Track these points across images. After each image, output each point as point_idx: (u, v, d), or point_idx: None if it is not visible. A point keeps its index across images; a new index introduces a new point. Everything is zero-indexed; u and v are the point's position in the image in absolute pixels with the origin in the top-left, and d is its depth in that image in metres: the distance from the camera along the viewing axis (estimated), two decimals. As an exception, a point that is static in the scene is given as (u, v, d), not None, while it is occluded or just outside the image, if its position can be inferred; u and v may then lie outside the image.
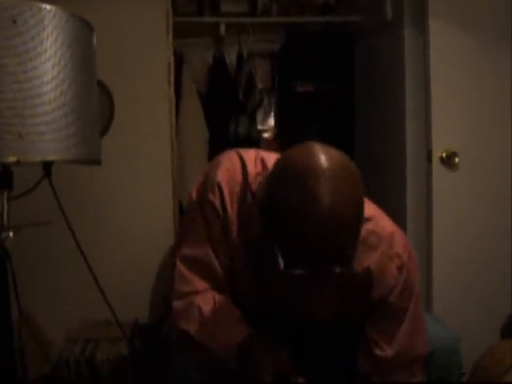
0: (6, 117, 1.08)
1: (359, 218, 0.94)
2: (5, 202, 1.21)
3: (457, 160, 2.16)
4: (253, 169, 1.17)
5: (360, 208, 0.94)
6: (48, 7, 1.17)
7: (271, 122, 2.94)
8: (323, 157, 0.93)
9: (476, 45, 2.16)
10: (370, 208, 1.12)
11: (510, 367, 1.71)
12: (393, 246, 1.15)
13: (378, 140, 2.59)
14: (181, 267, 1.17)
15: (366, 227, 1.08)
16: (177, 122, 2.50)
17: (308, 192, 0.90)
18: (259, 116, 2.89)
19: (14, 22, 1.09)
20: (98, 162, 1.33)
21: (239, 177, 1.17)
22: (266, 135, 3.00)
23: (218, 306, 1.13)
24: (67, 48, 1.20)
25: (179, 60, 2.67)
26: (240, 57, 2.85)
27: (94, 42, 1.34)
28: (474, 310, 2.17)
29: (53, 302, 2.12)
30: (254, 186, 1.15)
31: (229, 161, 1.20)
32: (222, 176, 1.17)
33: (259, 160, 1.19)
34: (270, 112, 2.92)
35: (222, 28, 2.68)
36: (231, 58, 2.85)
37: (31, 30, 1.13)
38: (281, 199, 0.92)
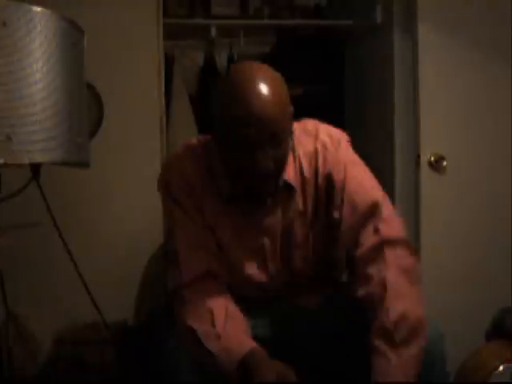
0: (-6, 119, 1.08)
1: (282, 106, 1.14)
2: (-8, 204, 1.21)
3: (445, 164, 2.17)
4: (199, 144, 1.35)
5: (282, 98, 1.14)
6: (38, 9, 1.17)
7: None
8: (248, 66, 1.19)
9: (465, 48, 2.19)
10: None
11: (494, 370, 1.73)
12: (327, 132, 1.33)
13: (367, 143, 2.60)
14: (180, 255, 1.22)
15: (301, 129, 1.32)
16: (167, 123, 2.50)
17: (235, 85, 1.13)
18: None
19: (4, 24, 1.09)
20: (86, 165, 1.33)
21: (190, 154, 1.31)
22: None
23: (229, 317, 1.16)
24: (56, 50, 1.20)
25: (170, 62, 2.67)
26: (231, 59, 2.85)
27: (84, 44, 1.34)
28: (461, 312, 2.19)
29: (41, 303, 2.11)
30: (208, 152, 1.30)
31: (174, 153, 1.37)
32: (178, 162, 1.31)
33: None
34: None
35: (213, 30, 2.68)
36: (222, 61, 2.85)
37: (20, 32, 1.13)
38: (218, 101, 1.16)
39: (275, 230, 1.30)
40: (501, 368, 1.78)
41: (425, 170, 2.19)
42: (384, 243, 1.19)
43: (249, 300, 1.31)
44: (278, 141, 1.14)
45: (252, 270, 1.32)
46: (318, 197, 1.30)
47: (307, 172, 1.29)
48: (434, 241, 2.22)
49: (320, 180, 1.29)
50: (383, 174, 1.35)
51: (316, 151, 1.29)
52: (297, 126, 1.31)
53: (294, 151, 1.29)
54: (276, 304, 1.38)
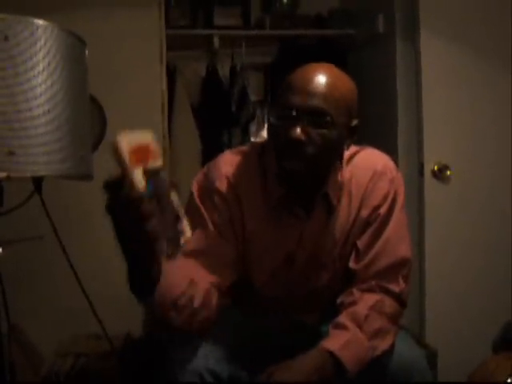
0: (-4, 133, 1.07)
1: (341, 98, 1.16)
2: (-6, 218, 1.20)
3: (448, 173, 2.17)
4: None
5: (344, 93, 1.17)
6: (40, 22, 1.17)
7: (264, 134, 2.94)
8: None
9: (467, 57, 2.19)
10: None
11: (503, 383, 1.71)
12: (385, 164, 1.32)
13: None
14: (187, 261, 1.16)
15: (361, 155, 1.32)
16: (169, 134, 2.50)
17: (304, 66, 1.19)
18: (252, 128, 2.88)
19: (6, 38, 1.09)
20: (89, 178, 1.32)
21: (243, 161, 1.28)
22: (258, 141, 2.99)
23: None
24: (59, 63, 1.20)
25: (172, 73, 2.67)
26: (233, 69, 2.85)
27: (87, 57, 1.33)
28: (466, 322, 2.18)
29: (43, 315, 2.11)
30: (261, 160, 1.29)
31: (228, 153, 1.33)
32: (225, 166, 1.27)
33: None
34: (263, 124, 2.91)
35: (216, 41, 2.69)
36: (224, 71, 2.86)
37: (23, 45, 1.13)
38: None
39: (308, 244, 1.29)
40: (509, 380, 1.76)
41: (428, 179, 2.18)
42: (382, 291, 1.25)
43: (255, 308, 1.31)
44: (321, 122, 1.14)
45: (271, 277, 1.31)
46: (357, 225, 1.29)
47: (355, 197, 1.29)
48: (438, 250, 2.21)
49: (365, 211, 1.29)
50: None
51: (371, 180, 1.29)
52: (356, 152, 1.32)
53: (344, 172, 1.29)
54: (276, 317, 1.37)
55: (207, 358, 1.14)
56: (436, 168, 2.17)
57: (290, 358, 1.26)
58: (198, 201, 1.25)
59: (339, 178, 1.28)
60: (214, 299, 1.17)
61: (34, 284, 2.07)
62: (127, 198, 0.81)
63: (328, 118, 1.14)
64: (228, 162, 1.29)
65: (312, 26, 2.88)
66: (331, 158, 1.24)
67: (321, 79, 1.15)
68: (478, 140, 2.22)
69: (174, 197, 0.87)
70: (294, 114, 1.13)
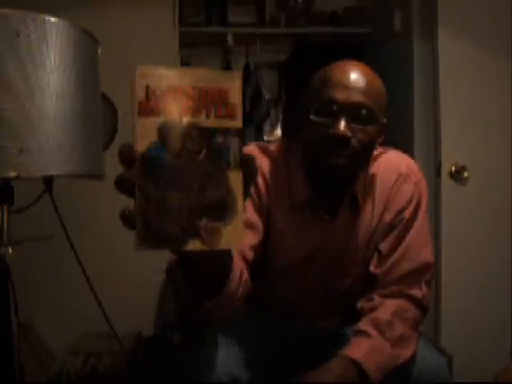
0: (6, 131, 1.06)
1: (378, 93, 1.15)
2: (5, 217, 1.19)
3: (466, 174, 2.13)
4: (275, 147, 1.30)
5: (379, 89, 1.16)
6: (52, 19, 1.15)
7: (278, 133, 2.92)
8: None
9: (486, 56, 2.14)
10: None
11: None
12: (410, 166, 1.30)
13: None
14: None
15: (385, 157, 1.29)
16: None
17: (337, 63, 1.17)
18: (266, 127, 2.86)
19: (17, 34, 1.08)
20: (100, 177, 1.30)
21: (272, 155, 1.26)
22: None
23: None
24: (71, 60, 1.18)
25: (186, 70, 2.66)
26: (247, 67, 2.83)
27: (99, 54, 1.32)
28: (483, 326, 2.14)
29: (54, 315, 2.10)
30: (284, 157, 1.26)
31: (257, 145, 1.30)
32: (257, 155, 1.24)
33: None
34: (276, 123, 2.89)
35: (230, 38, 2.67)
36: (238, 69, 2.83)
37: (34, 42, 1.11)
38: (316, 74, 1.19)
39: (331, 247, 1.27)
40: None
41: (445, 180, 2.14)
42: (404, 297, 1.22)
43: (274, 313, 1.29)
44: (365, 118, 1.12)
45: (288, 278, 1.28)
46: (380, 229, 1.27)
47: (379, 200, 1.26)
48: (456, 252, 2.17)
49: (389, 215, 1.26)
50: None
51: (395, 182, 1.27)
52: (379, 154, 1.29)
53: (371, 175, 1.26)
54: (295, 321, 1.34)
55: (226, 361, 1.14)
56: (453, 169, 2.12)
57: (308, 362, 1.24)
58: None
59: (365, 179, 1.25)
60: (246, 275, 1.10)
61: (44, 283, 2.07)
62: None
63: (370, 113, 1.12)
64: (259, 153, 1.27)
65: (327, 23, 2.86)
66: (370, 155, 1.21)
67: (359, 74, 1.14)
68: (495, 141, 2.17)
69: (236, 178, 0.66)
70: (336, 108, 1.11)
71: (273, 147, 1.30)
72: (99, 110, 1.32)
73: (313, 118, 1.14)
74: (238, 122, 0.66)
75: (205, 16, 2.76)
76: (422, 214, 1.27)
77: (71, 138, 1.16)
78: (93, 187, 1.65)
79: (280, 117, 2.91)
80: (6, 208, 1.20)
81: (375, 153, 1.26)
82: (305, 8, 2.87)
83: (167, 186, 0.62)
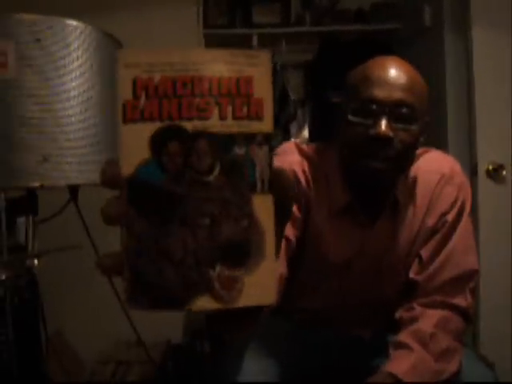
0: (30, 140, 1.03)
1: (421, 90, 1.08)
2: (30, 228, 1.16)
3: (504, 173, 2.04)
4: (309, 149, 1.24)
5: (422, 86, 1.10)
6: (73, 23, 1.12)
7: (305, 134, 2.86)
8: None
9: (524, 50, 2.05)
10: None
11: None
12: (453, 168, 1.23)
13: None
14: None
15: (426, 158, 1.23)
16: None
17: (377, 59, 1.11)
18: (293, 129, 2.81)
19: (38, 40, 1.05)
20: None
21: (311, 156, 1.21)
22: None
23: None
24: (94, 66, 1.15)
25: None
26: (273, 68, 2.79)
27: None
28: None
29: (82, 324, 2.09)
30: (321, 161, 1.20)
31: (297, 144, 1.25)
32: (298, 155, 1.20)
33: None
34: (303, 124, 2.84)
35: (255, 39, 2.65)
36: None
37: (56, 48, 1.08)
38: (355, 71, 1.12)
39: (371, 253, 1.20)
40: None
41: (482, 179, 2.06)
42: (447, 307, 1.15)
43: (307, 321, 1.24)
44: (408, 117, 1.06)
45: (324, 284, 1.23)
46: (422, 233, 1.20)
47: (421, 203, 1.20)
48: (494, 254, 2.08)
49: (432, 219, 1.19)
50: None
51: (438, 184, 1.20)
52: (420, 155, 1.22)
53: (412, 177, 1.20)
54: (329, 330, 1.29)
55: (257, 372, 1.11)
56: (491, 168, 2.04)
57: (345, 374, 1.19)
58: None
59: (406, 183, 1.19)
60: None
61: (73, 292, 2.05)
62: None
63: (412, 111, 1.05)
64: (300, 153, 1.21)
65: (353, 21, 2.80)
66: (413, 156, 1.14)
67: (400, 71, 1.07)
68: (534, 137, 2.08)
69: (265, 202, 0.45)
70: (376, 108, 1.05)
71: (312, 147, 1.24)
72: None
73: (351, 118, 1.08)
74: (266, 125, 0.45)
75: (229, 17, 2.74)
76: (465, 218, 1.19)
77: (95, 146, 1.13)
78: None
79: (307, 117, 2.86)
80: (31, 218, 1.18)
81: (416, 153, 1.20)
82: (330, 6, 2.83)
83: (164, 222, 0.43)
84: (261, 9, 2.76)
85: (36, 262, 1.15)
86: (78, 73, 1.09)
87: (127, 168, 0.42)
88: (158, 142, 0.43)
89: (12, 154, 1.04)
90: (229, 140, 0.44)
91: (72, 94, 1.08)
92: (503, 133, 2.07)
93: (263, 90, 0.45)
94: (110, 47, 1.21)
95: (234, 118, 0.44)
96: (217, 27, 2.64)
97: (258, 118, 0.45)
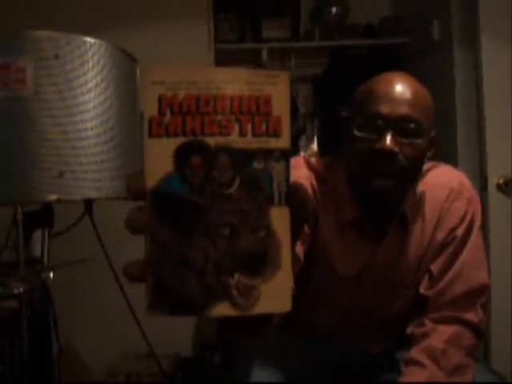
0: (46, 154, 1.05)
1: (425, 104, 1.08)
2: (45, 241, 1.18)
3: (514, 186, 2.04)
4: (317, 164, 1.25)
5: (426, 100, 1.10)
6: (90, 40, 1.15)
7: (314, 147, 2.87)
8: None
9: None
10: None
11: None
12: (462, 182, 1.22)
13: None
14: None
15: (434, 173, 1.23)
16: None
17: (383, 75, 1.12)
18: (302, 142, 2.82)
19: (56, 56, 1.07)
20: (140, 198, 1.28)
21: (319, 170, 1.22)
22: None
23: None
24: (110, 81, 1.17)
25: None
26: (286, 83, 2.80)
27: (138, 74, 1.30)
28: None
29: (94, 336, 2.10)
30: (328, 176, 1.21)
31: (304, 158, 1.26)
32: (306, 169, 1.21)
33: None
34: (312, 137, 2.85)
35: (264, 54, 2.66)
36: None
37: (74, 64, 1.11)
38: (361, 87, 1.13)
39: (379, 268, 1.20)
40: None
41: (493, 193, 2.06)
42: (458, 322, 1.15)
43: (315, 335, 1.24)
44: (413, 131, 1.06)
45: (332, 299, 1.23)
46: (432, 248, 1.19)
47: (430, 218, 1.20)
48: (505, 268, 2.07)
49: (441, 233, 1.19)
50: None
51: (447, 199, 1.19)
52: (429, 170, 1.23)
53: (421, 191, 1.20)
54: (338, 345, 1.29)
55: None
56: (501, 181, 2.04)
57: None
58: None
59: (413, 196, 1.19)
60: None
61: (84, 304, 2.06)
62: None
63: (417, 126, 1.06)
64: (308, 167, 1.22)
65: (363, 35, 2.81)
66: (419, 171, 1.15)
67: (405, 86, 1.08)
68: (545, 151, 2.08)
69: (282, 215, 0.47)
70: (381, 123, 1.05)
71: (319, 161, 1.25)
72: (138, 130, 1.31)
73: (357, 133, 1.09)
74: (284, 141, 0.47)
75: (239, 32, 2.76)
76: (476, 233, 1.19)
77: (111, 160, 1.15)
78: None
79: (316, 130, 2.87)
80: (46, 231, 1.19)
81: (424, 168, 1.20)
82: (339, 20, 2.84)
83: (187, 232, 0.46)
84: (270, 24, 2.78)
85: (52, 275, 1.17)
86: (95, 89, 1.11)
87: (152, 180, 0.45)
88: (181, 156, 0.45)
89: (29, 168, 1.05)
90: (248, 155, 0.47)
91: (89, 109, 1.10)
92: (513, 146, 2.07)
93: (281, 108, 0.48)
94: (125, 63, 1.23)
95: (254, 134, 0.47)
96: (227, 42, 2.66)
97: (276, 134, 0.47)
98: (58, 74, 1.07)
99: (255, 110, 0.47)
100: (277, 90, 0.48)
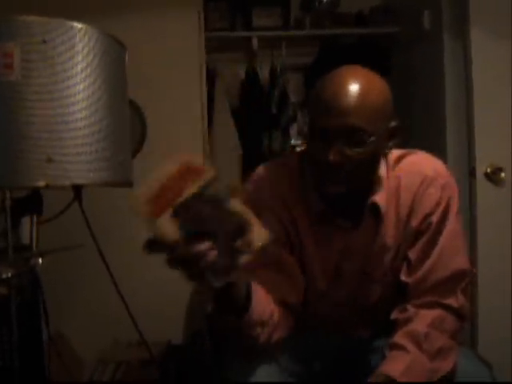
0: (35, 140, 1.05)
1: (373, 108, 1.07)
2: (34, 228, 1.18)
3: (502, 175, 2.06)
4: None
5: (375, 100, 1.07)
6: (78, 26, 1.14)
7: (305, 136, 2.88)
8: (350, 66, 1.14)
9: (521, 54, 2.07)
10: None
11: None
12: (436, 168, 1.22)
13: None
14: None
15: (409, 160, 1.23)
16: (209, 137, 2.47)
17: (330, 78, 1.11)
18: (293, 130, 2.83)
19: (44, 41, 1.06)
20: (129, 184, 1.28)
21: (283, 171, 1.25)
22: (299, 150, 2.93)
23: None
24: (98, 67, 1.17)
25: (212, 75, 2.65)
26: (273, 71, 2.80)
27: (126, 60, 1.30)
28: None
29: (84, 324, 2.10)
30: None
31: (267, 165, 1.30)
32: (268, 176, 1.25)
33: None
34: (303, 126, 2.85)
35: (255, 42, 2.66)
36: (264, 73, 2.81)
37: (61, 49, 1.10)
38: (312, 94, 1.13)
39: (356, 257, 1.22)
40: None
41: (481, 182, 2.08)
42: (440, 307, 1.17)
43: (310, 322, 1.26)
44: (359, 140, 1.06)
45: (322, 291, 1.25)
46: (407, 234, 1.21)
47: (404, 205, 1.20)
48: (492, 255, 2.10)
49: (416, 220, 1.20)
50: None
51: (420, 186, 1.20)
52: (403, 155, 1.24)
53: (391, 178, 1.21)
54: (329, 332, 1.31)
55: (262, 372, 1.12)
56: (489, 170, 2.06)
57: (346, 373, 1.22)
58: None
59: (386, 183, 1.20)
60: (285, 316, 1.15)
61: (74, 292, 2.06)
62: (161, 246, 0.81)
63: (363, 134, 1.06)
64: (270, 173, 1.25)
65: (353, 24, 2.82)
66: (374, 169, 1.16)
67: (350, 91, 1.06)
68: (533, 140, 2.10)
69: (235, 204, 0.81)
70: (328, 135, 1.07)
71: (286, 160, 1.29)
72: (127, 116, 1.30)
73: (309, 141, 1.12)
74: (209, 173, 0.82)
75: (229, 21, 2.76)
76: (452, 219, 1.20)
77: (100, 146, 1.15)
78: (122, 195, 1.64)
79: (306, 120, 2.87)
80: (35, 218, 1.19)
81: (398, 155, 1.22)
82: (330, 9, 2.84)
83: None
84: (261, 12, 2.77)
85: (40, 261, 1.17)
86: (83, 74, 1.11)
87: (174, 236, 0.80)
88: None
89: (18, 154, 1.05)
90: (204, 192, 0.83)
91: (77, 94, 1.10)
92: (502, 135, 2.08)
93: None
94: (114, 49, 1.23)
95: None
96: (217, 31, 2.66)
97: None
98: (46, 59, 1.06)
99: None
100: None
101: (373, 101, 1.07)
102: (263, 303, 1.08)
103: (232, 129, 2.69)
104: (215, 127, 2.61)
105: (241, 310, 1.02)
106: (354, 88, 1.06)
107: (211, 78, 2.62)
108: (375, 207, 1.19)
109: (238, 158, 2.69)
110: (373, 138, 1.07)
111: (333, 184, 1.10)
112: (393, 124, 1.13)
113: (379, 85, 1.11)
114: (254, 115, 2.73)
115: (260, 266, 1.08)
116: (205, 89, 2.30)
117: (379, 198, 1.18)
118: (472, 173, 2.10)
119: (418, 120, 2.57)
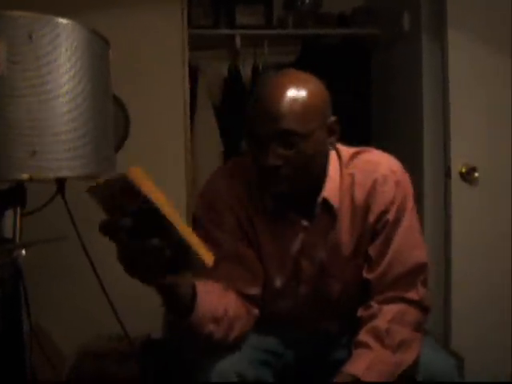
0: (19, 133, 1.06)
1: (304, 109, 1.11)
2: (17, 219, 1.19)
3: (476, 175, 2.12)
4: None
5: (306, 101, 1.11)
6: (64, 21, 1.15)
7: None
8: (285, 71, 1.22)
9: (497, 56, 2.13)
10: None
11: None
12: (389, 166, 1.25)
13: (395, 154, 2.55)
14: None
15: (363, 157, 1.26)
16: (191, 134, 2.48)
17: (263, 84, 1.18)
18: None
19: (30, 37, 1.08)
20: (112, 178, 1.30)
21: (237, 173, 1.28)
22: None
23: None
24: (83, 63, 1.18)
25: (194, 72, 2.66)
26: (255, 69, 2.83)
27: (110, 56, 1.32)
28: (494, 328, 2.12)
29: (65, 316, 2.10)
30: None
31: (220, 168, 1.38)
32: (222, 179, 1.29)
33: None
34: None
35: (238, 40, 2.68)
36: (246, 70, 2.84)
37: (46, 44, 1.10)
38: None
39: (314, 253, 1.25)
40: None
41: (456, 181, 2.13)
42: (402, 301, 1.20)
43: (273, 318, 1.28)
44: (291, 141, 1.11)
45: (281, 288, 1.27)
46: (365, 231, 1.23)
47: (359, 202, 1.22)
48: (466, 254, 2.16)
49: (372, 216, 1.22)
50: (412, 185, 1.31)
51: (374, 184, 1.22)
52: (357, 153, 1.27)
53: (345, 175, 1.24)
54: (297, 325, 1.33)
55: (233, 360, 1.14)
56: (464, 170, 2.11)
57: (312, 368, 1.25)
58: (207, 224, 1.23)
59: (340, 180, 1.23)
60: (245, 309, 1.17)
61: (55, 285, 2.07)
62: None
63: (296, 136, 1.10)
64: (227, 172, 1.30)
65: (335, 24, 2.85)
66: (316, 165, 1.19)
67: (279, 97, 1.11)
68: (506, 141, 2.16)
69: (176, 223, 0.82)
70: (262, 140, 1.12)
71: (238, 162, 1.33)
72: (110, 111, 1.32)
73: (248, 146, 1.18)
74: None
75: (213, 18, 2.77)
76: (408, 215, 1.22)
77: (83, 140, 1.16)
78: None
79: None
80: (18, 210, 1.20)
81: (353, 151, 1.26)
82: (313, 9, 2.87)
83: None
84: (244, 10, 2.79)
85: (24, 252, 1.18)
86: (67, 69, 1.12)
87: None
88: None
89: (1, 147, 1.06)
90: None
91: (61, 88, 1.11)
92: (477, 136, 2.14)
93: None
94: (98, 45, 1.24)
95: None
96: (200, 28, 2.67)
97: None
98: (30, 55, 1.08)
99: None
100: None
101: (303, 103, 1.11)
102: (214, 301, 1.09)
103: (214, 126, 2.71)
104: (197, 124, 2.63)
105: (187, 310, 1.04)
106: (283, 93, 1.11)
107: (194, 74, 2.64)
108: (327, 203, 1.21)
109: (219, 155, 2.71)
110: (309, 138, 1.11)
111: (273, 185, 1.15)
112: (330, 120, 1.17)
113: (311, 86, 1.14)
114: (236, 113, 2.75)
115: (218, 260, 1.10)
116: (187, 86, 2.32)
117: (329, 193, 1.21)
118: (447, 173, 2.15)
119: (396, 120, 2.63)
